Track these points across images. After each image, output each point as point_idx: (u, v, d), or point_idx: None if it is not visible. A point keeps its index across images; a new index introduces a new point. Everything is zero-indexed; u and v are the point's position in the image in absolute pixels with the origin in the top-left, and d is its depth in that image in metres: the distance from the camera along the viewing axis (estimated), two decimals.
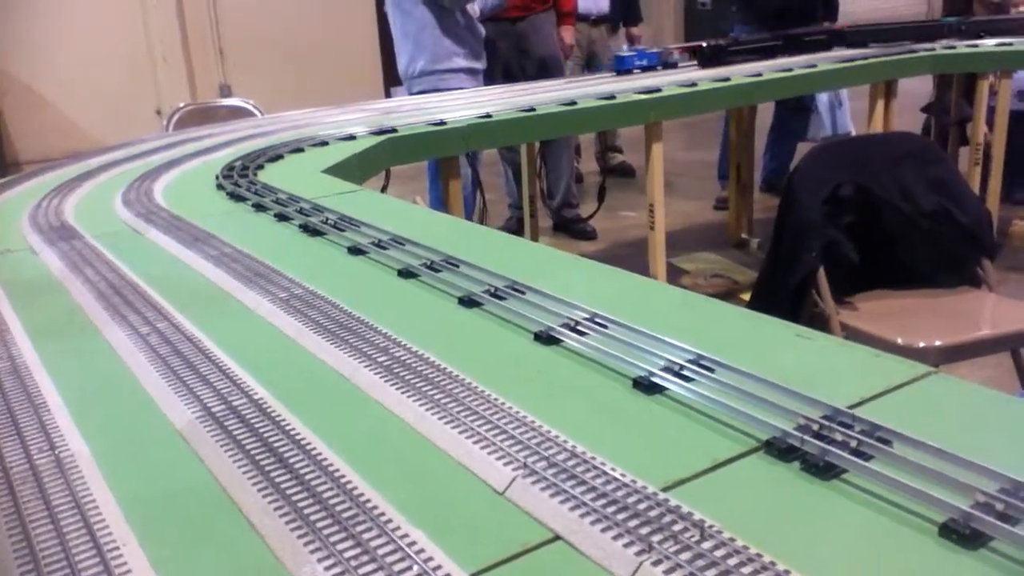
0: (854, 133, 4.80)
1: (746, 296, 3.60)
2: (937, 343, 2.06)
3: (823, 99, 4.74)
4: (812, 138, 4.82)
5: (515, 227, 4.66)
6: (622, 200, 5.12)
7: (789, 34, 3.85)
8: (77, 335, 1.10)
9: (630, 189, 5.31)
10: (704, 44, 3.58)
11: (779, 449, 0.73)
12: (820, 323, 2.26)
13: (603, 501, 0.66)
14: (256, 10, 8.14)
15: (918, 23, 4.46)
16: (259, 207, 1.69)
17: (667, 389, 0.85)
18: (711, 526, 0.62)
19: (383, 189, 2.88)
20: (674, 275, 4.01)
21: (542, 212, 4.45)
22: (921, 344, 2.05)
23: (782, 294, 2.32)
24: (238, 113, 3.17)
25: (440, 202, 3.01)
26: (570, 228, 4.83)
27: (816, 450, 0.72)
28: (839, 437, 0.73)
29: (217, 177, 1.95)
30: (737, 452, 0.74)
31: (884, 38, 4.01)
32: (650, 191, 3.21)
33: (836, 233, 2.27)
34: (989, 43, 3.85)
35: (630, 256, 4.40)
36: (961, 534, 0.61)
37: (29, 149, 7.58)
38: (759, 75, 3.30)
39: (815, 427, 0.74)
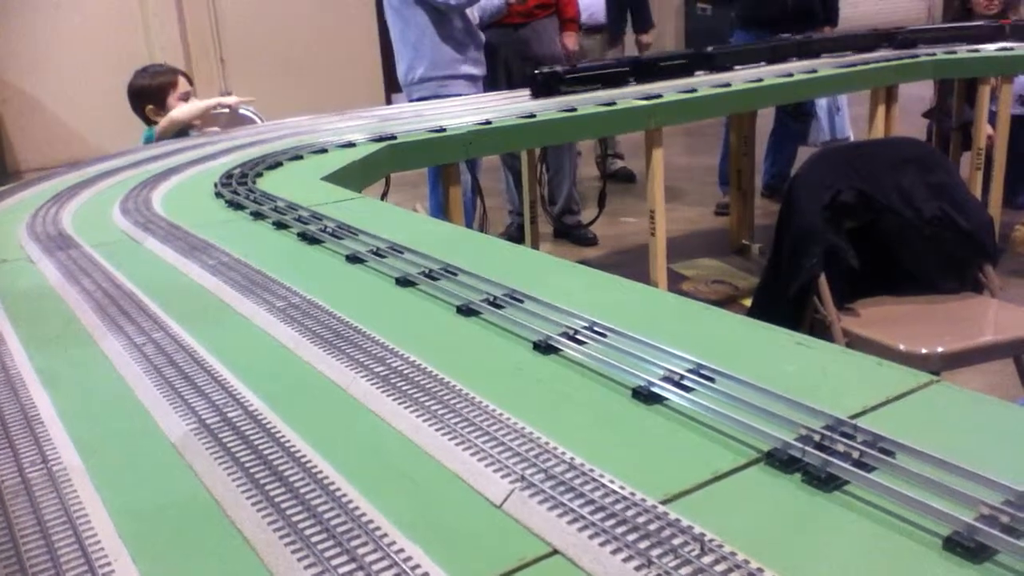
0: (852, 138, 4.80)
1: (747, 302, 3.60)
2: (939, 349, 2.05)
3: (822, 104, 4.74)
4: (812, 143, 4.81)
5: (516, 233, 4.66)
6: (623, 206, 5.11)
7: (642, 59, 3.52)
8: (73, 345, 1.09)
9: (631, 195, 5.31)
10: (537, 72, 3.18)
11: (780, 460, 0.72)
12: (821, 329, 2.26)
13: (602, 514, 0.65)
14: (256, 17, 8.15)
15: (853, 35, 4.20)
16: (257, 215, 1.69)
17: (667, 399, 0.84)
18: (711, 540, 0.61)
19: (383, 196, 2.88)
20: (675, 281, 4.00)
21: (543, 218, 4.44)
22: (923, 350, 2.04)
23: (783, 300, 2.31)
24: (238, 120, 3.16)
25: (440, 209, 3.00)
26: (571, 234, 4.82)
27: (818, 461, 0.71)
28: (841, 448, 0.72)
29: (216, 185, 1.94)
30: (738, 463, 0.73)
31: (753, 58, 3.69)
32: (651, 197, 3.20)
33: (837, 239, 2.26)
34: (990, 48, 3.84)
35: (631, 262, 4.39)
36: (966, 547, 0.60)
37: (30, 157, 7.58)
38: (760, 80, 3.30)
39: (817, 438, 0.73)
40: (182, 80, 3.08)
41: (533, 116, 2.74)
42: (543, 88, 3.14)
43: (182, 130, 2.94)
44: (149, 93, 3.04)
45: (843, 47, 3.98)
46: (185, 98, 3.04)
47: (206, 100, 3.05)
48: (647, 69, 3.37)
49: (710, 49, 3.59)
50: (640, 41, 5.69)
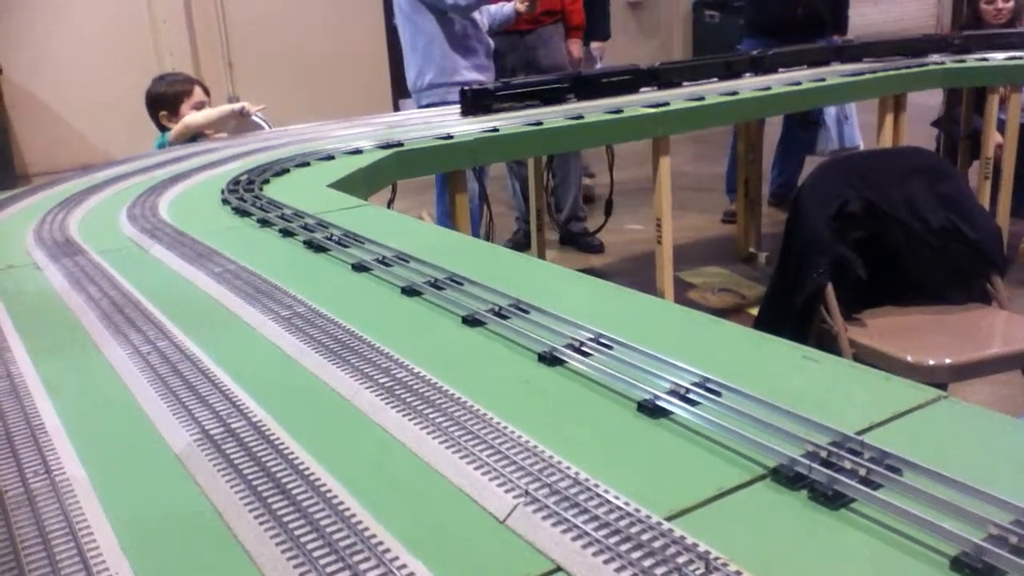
0: (862, 146, 4.79)
1: (754, 311, 3.59)
2: (947, 361, 2.04)
3: (830, 112, 4.73)
4: (820, 152, 4.80)
5: (522, 240, 4.66)
6: (629, 213, 5.11)
7: (582, 75, 3.28)
8: (78, 354, 1.09)
9: (637, 202, 5.30)
10: (466, 88, 2.97)
11: (786, 477, 0.72)
12: (828, 339, 2.25)
13: (606, 531, 0.65)
14: (265, 23, 8.17)
15: (801, 49, 4.00)
16: (264, 222, 1.69)
17: (672, 413, 0.83)
18: (716, 558, 0.61)
19: (389, 203, 2.88)
20: (681, 289, 4.00)
21: (549, 225, 4.44)
22: (931, 362, 2.03)
23: (790, 310, 2.30)
24: (247, 126, 3.17)
25: (447, 216, 3.00)
26: (577, 241, 4.82)
27: (824, 478, 0.70)
28: (848, 465, 0.71)
29: (222, 192, 1.94)
30: (743, 480, 0.72)
31: (702, 74, 3.51)
32: (658, 205, 3.19)
33: (844, 249, 2.26)
34: (999, 56, 3.83)
35: (637, 269, 4.38)
36: (974, 568, 0.60)
37: (38, 161, 7.61)
38: (767, 89, 3.29)
39: (823, 454, 0.73)
40: (198, 90, 3.11)
41: (540, 124, 2.74)
42: (472, 105, 2.93)
43: (193, 136, 2.96)
44: (165, 100, 3.09)
45: (798, 61, 3.81)
46: (199, 108, 3.07)
47: (220, 108, 3.07)
48: (588, 85, 3.17)
49: (656, 64, 3.41)
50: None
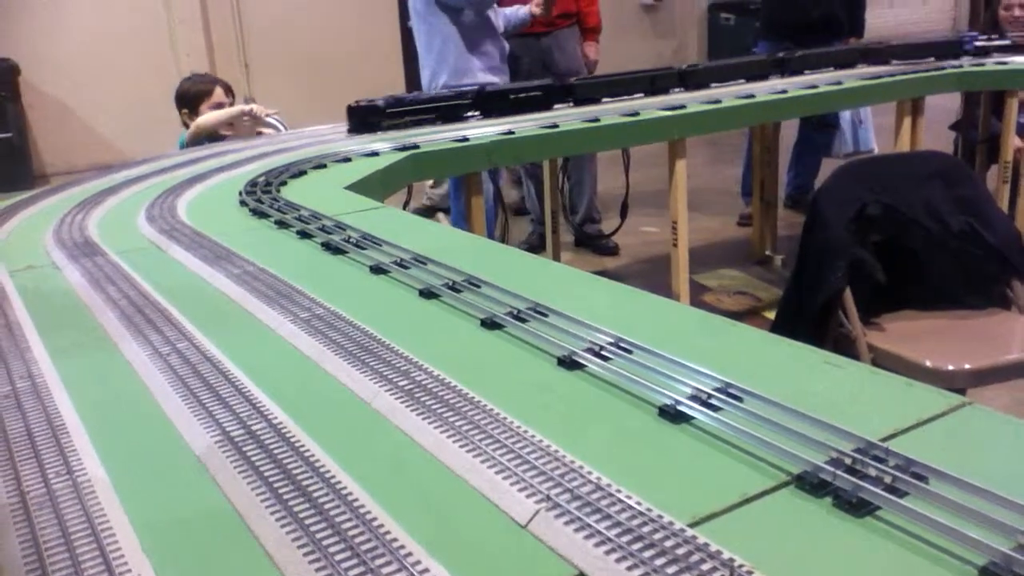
0: (876, 150, 4.76)
1: (770, 314, 3.57)
2: (966, 366, 2.02)
3: (845, 116, 4.70)
4: (835, 155, 4.78)
5: (537, 242, 4.65)
6: (644, 215, 5.09)
7: (486, 91, 2.98)
8: (98, 354, 1.10)
9: (652, 204, 5.28)
10: (354, 104, 2.73)
11: (811, 484, 0.71)
12: (846, 343, 2.23)
13: (628, 537, 0.64)
14: (281, 24, 8.20)
15: (754, 60, 3.76)
16: (282, 224, 1.69)
17: (694, 419, 0.83)
18: (740, 565, 0.60)
19: (405, 204, 2.88)
20: (697, 292, 3.98)
21: (564, 227, 4.43)
22: (950, 367, 2.02)
23: (807, 314, 2.29)
24: (261, 127, 3.19)
25: (463, 217, 3.00)
26: (592, 243, 4.81)
27: (849, 485, 0.69)
28: (872, 472, 0.71)
29: (240, 193, 1.95)
30: (767, 486, 0.72)
31: (625, 89, 3.23)
32: (673, 208, 3.19)
33: (863, 252, 2.24)
34: (1018, 60, 3.80)
35: (652, 272, 4.37)
36: None
37: (56, 161, 7.66)
38: (784, 92, 3.28)
39: (847, 461, 0.72)
40: (218, 90, 3.15)
41: (556, 127, 2.73)
42: (360, 123, 2.72)
43: (216, 136, 2.99)
44: (186, 99, 3.16)
45: (736, 75, 3.53)
46: (218, 108, 3.10)
47: (228, 109, 3.10)
48: (494, 101, 2.93)
49: (573, 80, 3.20)
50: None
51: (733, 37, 10.24)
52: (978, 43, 3.97)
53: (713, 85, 3.42)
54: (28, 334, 1.17)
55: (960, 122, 4.66)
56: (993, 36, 4.08)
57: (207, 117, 3.04)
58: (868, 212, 2.28)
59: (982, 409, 0.83)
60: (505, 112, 2.91)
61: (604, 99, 3.17)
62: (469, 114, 2.91)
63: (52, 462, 0.81)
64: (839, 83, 3.44)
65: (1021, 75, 3.71)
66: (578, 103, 3.08)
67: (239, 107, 3.10)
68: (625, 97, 3.22)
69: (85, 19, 7.60)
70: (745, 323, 1.13)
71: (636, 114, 2.90)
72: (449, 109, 2.85)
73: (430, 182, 4.71)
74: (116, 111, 7.75)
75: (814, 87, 3.37)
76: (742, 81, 3.50)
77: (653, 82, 3.28)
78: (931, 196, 2.38)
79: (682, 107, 3.00)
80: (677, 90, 3.34)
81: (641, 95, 3.24)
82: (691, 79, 3.37)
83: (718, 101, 3.10)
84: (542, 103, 3.01)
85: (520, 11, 4.00)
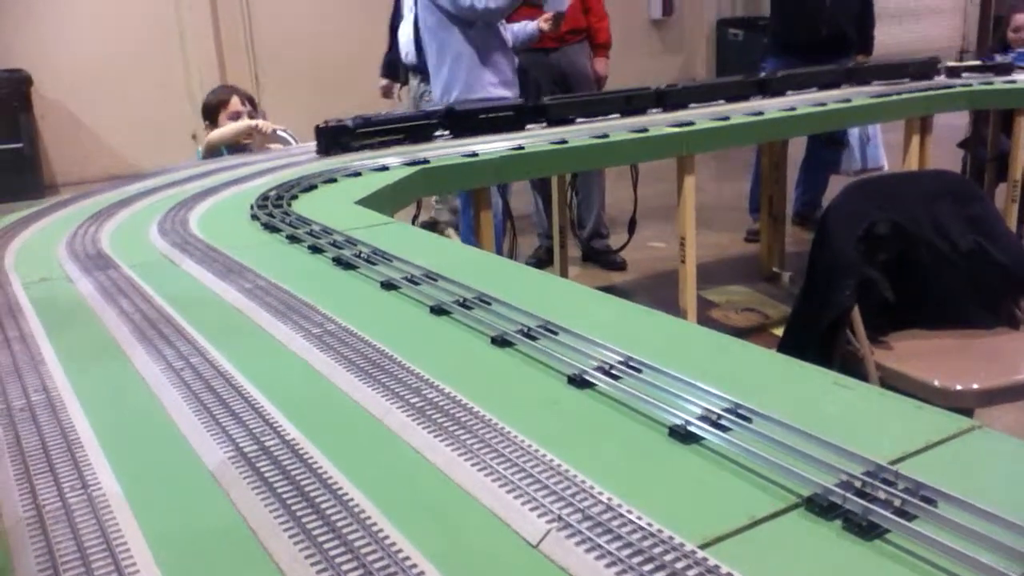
0: (886, 167, 4.76)
1: (777, 331, 3.57)
2: (975, 386, 2.02)
3: (854, 133, 4.71)
4: (844, 171, 4.78)
5: (545, 256, 4.66)
6: (651, 230, 5.10)
7: (456, 110, 2.92)
8: (111, 368, 1.11)
9: (660, 219, 5.29)
10: (323, 124, 2.66)
11: (820, 506, 0.71)
12: (853, 361, 2.23)
13: (640, 558, 0.65)
14: (292, 37, 8.25)
15: (716, 82, 3.66)
16: (293, 238, 1.70)
17: (704, 439, 0.83)
18: None
19: (414, 219, 2.89)
20: (704, 307, 3.98)
21: (571, 242, 4.44)
22: (958, 387, 2.01)
23: (815, 331, 2.29)
24: (274, 141, 3.22)
25: (472, 231, 3.01)
26: (600, 258, 4.82)
27: (858, 508, 0.70)
28: (882, 495, 0.71)
29: (252, 207, 1.96)
30: (777, 508, 0.72)
31: (599, 110, 3.14)
32: (681, 224, 3.19)
33: (871, 271, 2.24)
34: None
35: (659, 287, 4.37)
36: None
37: (66, 171, 7.71)
38: (792, 109, 3.29)
39: (857, 484, 0.73)
40: (235, 100, 3.20)
41: (565, 142, 2.74)
42: (329, 143, 2.64)
43: (237, 147, 3.04)
44: (207, 110, 3.24)
45: (714, 95, 3.45)
46: (235, 117, 3.15)
47: (236, 124, 3.14)
48: (462, 121, 2.87)
49: (544, 100, 3.13)
50: None
51: (741, 53, 10.26)
52: (950, 64, 4.00)
53: (692, 106, 3.35)
54: (42, 347, 1.18)
55: (969, 140, 4.67)
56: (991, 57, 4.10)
57: (217, 132, 3.10)
58: (877, 230, 2.29)
59: (991, 432, 0.84)
60: (474, 132, 2.85)
61: (578, 119, 3.09)
62: (437, 134, 2.84)
63: (67, 476, 0.82)
64: (848, 100, 3.44)
65: None
66: (551, 123, 3.01)
67: (246, 122, 3.14)
68: (600, 118, 3.14)
69: (97, 30, 7.66)
70: (752, 340, 1.14)
71: (645, 130, 2.92)
72: (417, 129, 2.79)
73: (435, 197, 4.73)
74: (126, 122, 7.80)
75: (823, 104, 3.38)
76: (721, 102, 3.43)
77: (628, 102, 3.22)
78: (940, 215, 2.38)
79: (691, 123, 3.01)
80: (654, 110, 3.27)
81: (617, 115, 3.17)
82: (667, 100, 3.30)
83: (727, 118, 3.11)
84: (512, 123, 2.94)
85: (528, 27, 4.02)
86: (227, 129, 3.12)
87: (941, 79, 3.92)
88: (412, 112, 2.97)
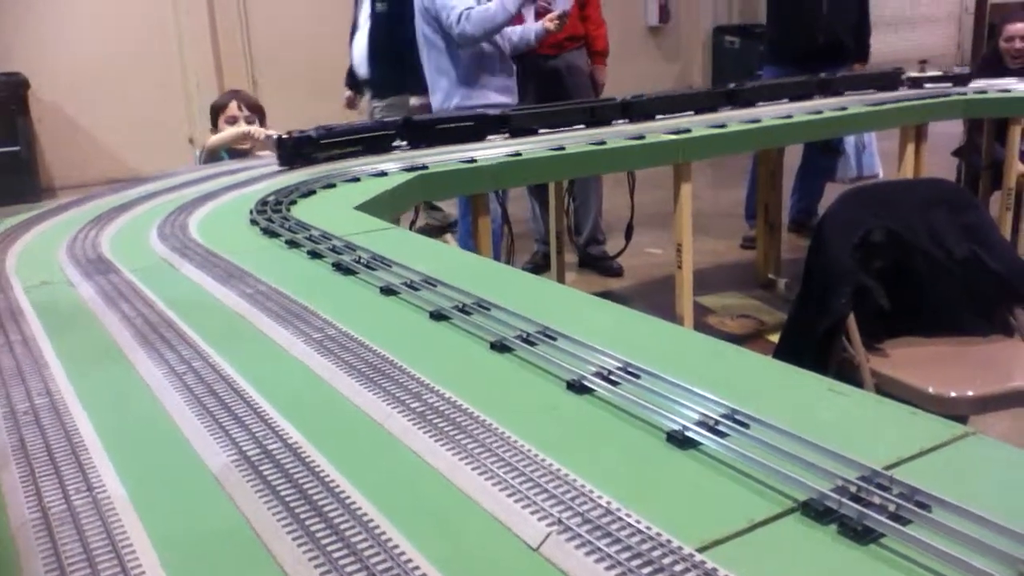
0: (881, 174, 4.79)
1: (773, 337, 3.59)
2: (969, 393, 2.03)
3: (849, 141, 4.74)
4: (840, 179, 4.81)
5: (541, 262, 4.68)
6: (648, 236, 5.12)
7: (414, 121, 2.85)
8: (114, 371, 1.11)
9: (656, 225, 5.31)
10: (285, 135, 2.58)
11: (816, 511, 0.73)
12: (849, 368, 2.25)
13: (639, 561, 0.66)
14: (289, 40, 8.27)
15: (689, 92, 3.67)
16: (292, 243, 1.71)
17: (701, 444, 0.84)
18: None
19: (412, 224, 2.90)
20: (700, 314, 4.00)
21: (568, 247, 4.45)
22: (953, 394, 2.03)
23: (811, 338, 2.30)
24: (271, 145, 3.24)
25: (470, 236, 3.02)
26: (596, 264, 4.84)
27: (854, 513, 0.71)
28: (877, 500, 0.72)
29: (251, 212, 1.97)
30: (774, 512, 0.73)
31: (559, 121, 3.07)
32: (678, 231, 3.21)
33: (867, 278, 2.26)
34: (1021, 88, 3.83)
35: (656, 293, 4.39)
36: None
37: (63, 175, 7.71)
38: (789, 117, 3.31)
39: (852, 489, 0.74)
40: (232, 105, 3.24)
41: (563, 148, 2.76)
42: (293, 155, 2.55)
43: (238, 152, 3.07)
44: (211, 113, 3.26)
45: (682, 107, 3.39)
46: (232, 121, 3.17)
47: (231, 130, 3.16)
48: (419, 132, 2.81)
49: (502, 112, 3.05)
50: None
51: (737, 60, 10.31)
52: (912, 75, 4.03)
53: (659, 117, 3.29)
54: (44, 350, 1.19)
55: (963, 148, 4.70)
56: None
57: (214, 137, 3.14)
58: (872, 238, 2.30)
59: (985, 439, 0.85)
60: (432, 143, 2.80)
61: (540, 130, 3.03)
62: (395, 144, 2.79)
63: (72, 479, 0.82)
64: (844, 108, 3.47)
65: None
66: (513, 135, 2.95)
67: (239, 129, 3.16)
68: (563, 129, 3.08)
69: (94, 33, 7.67)
70: (748, 346, 1.15)
71: (642, 137, 2.93)
72: (375, 140, 2.73)
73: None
74: (123, 125, 7.81)
75: (819, 112, 3.40)
76: (691, 113, 3.38)
77: (592, 113, 3.17)
78: (935, 223, 2.40)
79: (687, 131, 3.03)
80: (620, 122, 3.21)
81: (581, 126, 3.12)
82: (634, 111, 3.25)
83: (724, 125, 3.13)
84: (472, 134, 2.89)
85: (527, 30, 4.01)
86: (221, 135, 3.16)
87: (928, 88, 3.94)
88: (370, 123, 2.87)
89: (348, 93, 4.99)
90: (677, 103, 3.42)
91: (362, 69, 4.56)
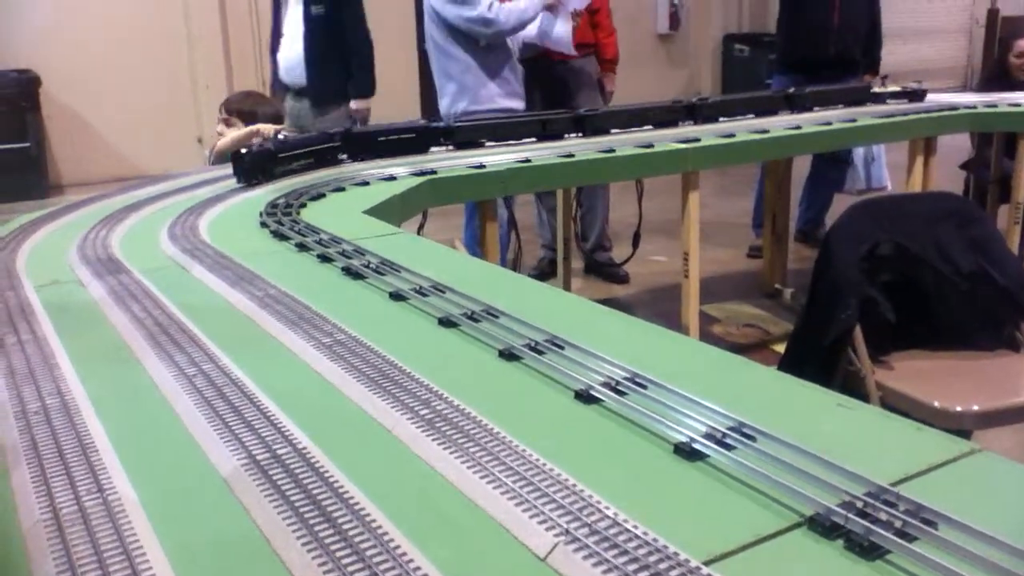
0: (890, 187, 4.79)
1: (779, 347, 3.59)
2: (975, 408, 2.03)
3: (859, 152, 4.74)
4: (848, 190, 4.81)
5: (548, 268, 4.68)
6: (654, 244, 5.12)
7: (355, 133, 2.74)
8: (125, 373, 1.12)
9: (662, 233, 5.32)
10: (244, 151, 2.39)
11: (823, 526, 0.73)
12: (854, 381, 2.25)
13: (646, 573, 0.66)
14: None
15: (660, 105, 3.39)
16: (302, 247, 1.72)
17: (708, 457, 0.85)
18: None
19: (420, 228, 2.91)
20: (705, 323, 4.00)
21: (574, 253, 4.46)
22: (958, 408, 2.03)
23: (817, 350, 2.30)
24: None
25: (476, 242, 3.03)
26: (602, 271, 4.84)
27: (860, 529, 0.71)
28: (883, 516, 0.72)
29: (261, 214, 1.98)
30: (780, 527, 0.74)
31: (505, 134, 2.96)
32: (685, 239, 3.21)
33: (873, 291, 2.26)
34: None
35: (661, 301, 4.39)
36: None
37: (71, 172, 7.74)
38: (798, 128, 3.31)
39: (859, 504, 0.74)
40: (221, 108, 3.25)
41: (572, 156, 2.76)
42: (252, 170, 2.38)
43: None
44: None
45: (642, 121, 3.29)
46: (227, 123, 3.20)
47: (241, 131, 3.17)
48: (362, 144, 2.71)
49: (449, 123, 2.97)
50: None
51: (747, 68, 10.32)
52: (876, 90, 4.04)
53: (613, 131, 3.18)
54: (55, 349, 1.20)
55: (972, 162, 4.69)
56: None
57: (221, 141, 3.15)
58: (880, 251, 2.30)
59: (992, 456, 0.85)
60: (375, 155, 2.72)
61: (488, 143, 2.94)
62: (341, 157, 2.69)
63: (83, 480, 0.83)
64: (853, 120, 3.47)
65: None
66: (458, 147, 2.89)
67: (248, 129, 3.17)
68: (513, 142, 2.98)
69: (106, 33, 7.70)
70: (753, 356, 1.16)
71: (651, 146, 2.94)
72: (320, 153, 2.61)
73: None
74: (133, 125, 7.84)
75: (828, 123, 3.40)
76: (649, 128, 3.28)
77: (545, 126, 3.06)
78: (943, 236, 2.40)
79: (696, 140, 3.04)
80: (573, 136, 3.11)
81: (533, 140, 3.02)
82: (589, 124, 3.14)
83: (732, 135, 3.13)
84: (416, 146, 2.81)
85: (559, 31, 3.96)
86: (229, 137, 3.16)
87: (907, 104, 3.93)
88: (315, 135, 2.73)
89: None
90: (634, 117, 3.30)
91: (293, 77, 4.29)
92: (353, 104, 4.27)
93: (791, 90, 3.78)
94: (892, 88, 4.10)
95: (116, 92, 7.79)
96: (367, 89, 4.28)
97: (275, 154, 2.45)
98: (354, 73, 4.24)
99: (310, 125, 4.06)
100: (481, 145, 2.94)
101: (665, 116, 3.37)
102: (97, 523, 0.76)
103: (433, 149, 2.87)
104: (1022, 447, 2.75)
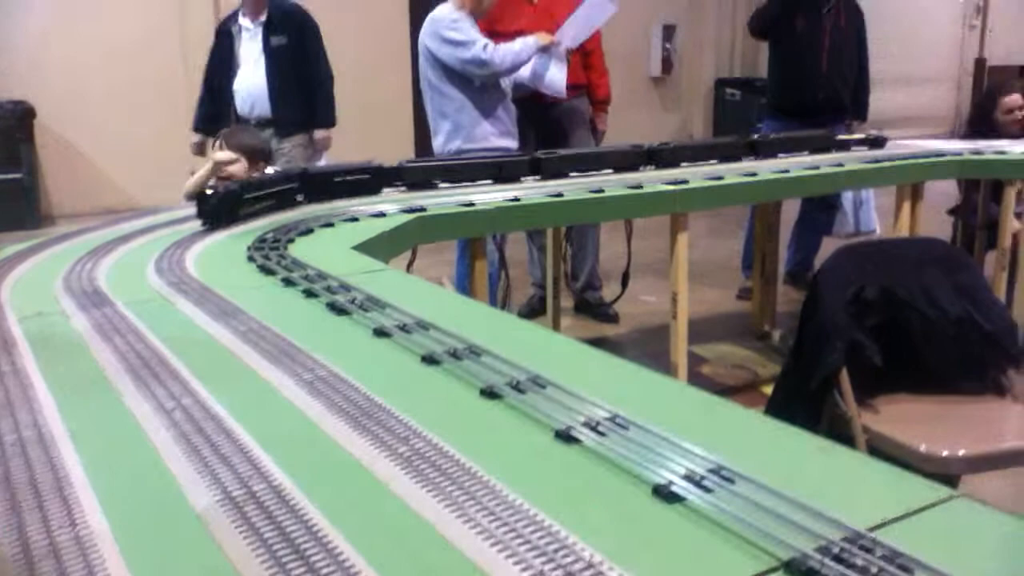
0: (879, 231, 4.82)
1: (767, 389, 3.58)
2: (961, 452, 2.03)
3: (847, 196, 4.77)
4: (837, 234, 4.84)
5: (538, 306, 4.69)
6: (643, 284, 5.14)
7: (310, 173, 2.70)
8: (103, 406, 1.11)
9: (652, 273, 5.33)
10: (210, 192, 2.32)
11: (799, 571, 0.72)
12: (841, 424, 2.24)
13: None
14: None
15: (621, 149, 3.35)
16: (288, 282, 1.72)
17: (686, 499, 0.84)
18: None
19: (409, 265, 2.91)
20: (694, 363, 4.00)
21: (564, 292, 4.47)
22: (944, 453, 2.02)
23: (803, 392, 2.30)
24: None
25: (466, 279, 3.03)
26: (592, 310, 4.85)
27: (836, 574, 0.71)
28: (860, 562, 0.72)
29: (248, 248, 1.98)
30: (757, 571, 0.73)
31: (466, 176, 2.95)
32: (674, 280, 3.22)
33: (860, 335, 2.27)
34: (1016, 151, 3.88)
35: (651, 341, 4.39)
36: None
37: (64, 203, 7.74)
38: (786, 172, 3.34)
39: (835, 550, 0.74)
40: (224, 144, 3.14)
41: (561, 195, 2.78)
42: (217, 213, 2.30)
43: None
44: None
45: (597, 165, 3.26)
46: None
47: (201, 170, 3.05)
48: (317, 185, 2.68)
49: (400, 163, 2.91)
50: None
51: (737, 112, 10.44)
52: (841, 137, 4.11)
53: (572, 175, 3.15)
54: (35, 382, 1.19)
55: (959, 207, 4.73)
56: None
57: (188, 182, 3.05)
58: (866, 295, 2.31)
59: (971, 502, 0.85)
60: (333, 196, 2.69)
61: (441, 184, 2.92)
62: (298, 198, 2.64)
63: (56, 514, 0.82)
64: (841, 165, 3.50)
65: (1020, 166, 3.78)
66: (410, 188, 2.87)
67: (208, 165, 3.05)
68: (468, 184, 2.95)
69: (102, 64, 7.75)
70: (742, 397, 1.16)
71: (640, 186, 2.96)
72: (279, 195, 2.57)
73: None
74: (127, 157, 7.86)
75: (816, 168, 3.43)
76: (592, 174, 3.23)
77: (500, 169, 3.05)
78: (930, 281, 2.42)
79: (685, 182, 3.06)
80: (531, 178, 3.06)
81: (489, 181, 3.00)
82: (545, 168, 3.10)
83: (721, 178, 3.16)
84: (369, 187, 2.79)
85: (555, 79, 4.00)
86: (196, 177, 3.04)
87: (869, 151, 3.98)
88: (274, 175, 2.68)
89: (196, 138, 4.51)
90: (590, 161, 3.29)
91: (254, 108, 4.28)
92: (318, 134, 4.41)
93: (755, 136, 3.84)
94: (857, 136, 4.18)
95: (111, 124, 7.82)
96: (331, 120, 4.45)
97: (241, 195, 2.40)
98: (318, 105, 4.37)
99: (275, 152, 4.09)
100: (434, 187, 2.90)
101: (621, 161, 3.33)
102: (68, 558, 0.75)
103: (386, 190, 2.83)
104: (1009, 492, 2.74)
